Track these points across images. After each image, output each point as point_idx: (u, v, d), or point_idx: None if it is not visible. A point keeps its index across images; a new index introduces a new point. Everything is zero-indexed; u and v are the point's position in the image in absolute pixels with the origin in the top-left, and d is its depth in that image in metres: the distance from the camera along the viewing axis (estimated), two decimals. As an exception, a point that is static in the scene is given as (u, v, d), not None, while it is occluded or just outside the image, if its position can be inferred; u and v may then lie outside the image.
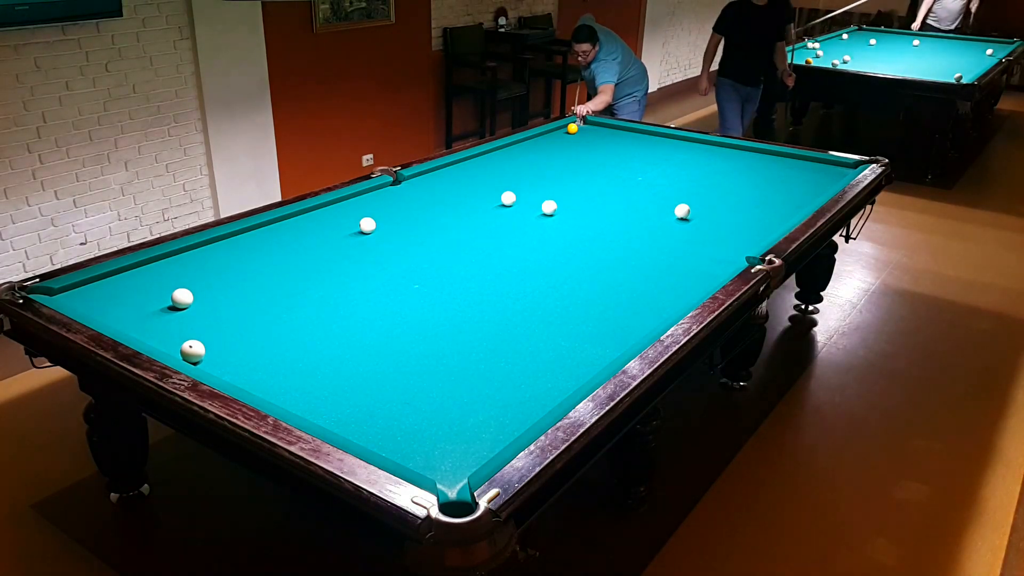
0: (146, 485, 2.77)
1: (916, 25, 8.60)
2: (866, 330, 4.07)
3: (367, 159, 5.76)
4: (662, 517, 2.74)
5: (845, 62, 6.73)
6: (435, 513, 1.56)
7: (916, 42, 7.96)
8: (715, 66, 5.84)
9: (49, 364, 2.39)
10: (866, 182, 3.67)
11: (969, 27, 8.64)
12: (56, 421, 3.18)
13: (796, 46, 7.42)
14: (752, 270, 2.70)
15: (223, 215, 4.37)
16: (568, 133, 4.54)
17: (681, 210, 3.31)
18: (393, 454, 1.79)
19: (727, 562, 2.58)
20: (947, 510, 2.84)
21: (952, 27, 8.52)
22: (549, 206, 3.33)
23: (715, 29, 5.62)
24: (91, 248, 4.18)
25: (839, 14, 9.32)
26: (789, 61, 5.80)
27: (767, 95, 6.52)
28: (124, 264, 2.72)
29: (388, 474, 1.68)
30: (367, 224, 3.09)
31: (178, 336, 2.24)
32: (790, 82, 5.78)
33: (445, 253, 2.95)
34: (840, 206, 3.37)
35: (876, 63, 6.79)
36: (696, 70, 9.76)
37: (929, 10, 8.57)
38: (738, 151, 4.28)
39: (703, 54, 5.77)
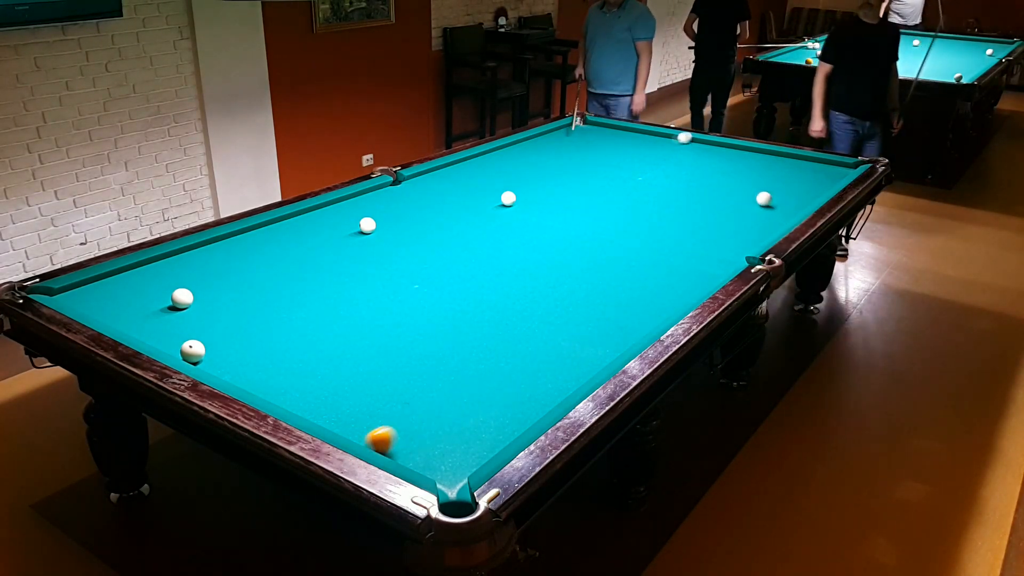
0: (146, 485, 2.77)
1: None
2: (866, 330, 4.07)
3: (367, 159, 5.76)
4: (662, 517, 2.74)
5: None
6: (435, 513, 1.56)
7: (916, 42, 7.95)
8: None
9: (49, 364, 2.39)
10: (866, 182, 3.67)
11: (940, 25, 8.62)
12: (56, 421, 3.18)
13: (796, 46, 7.42)
14: (752, 270, 2.70)
15: (223, 215, 4.37)
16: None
17: (763, 197, 3.44)
18: (393, 454, 1.79)
19: (727, 562, 2.58)
20: (947, 510, 2.84)
21: (917, 22, 8.52)
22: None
23: (823, 58, 4.86)
24: (91, 248, 4.18)
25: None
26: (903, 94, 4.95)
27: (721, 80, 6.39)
28: (124, 264, 2.73)
29: (388, 474, 1.68)
30: (367, 224, 3.09)
31: (178, 336, 2.24)
32: (897, 127, 4.92)
33: (445, 253, 2.95)
34: (840, 206, 3.37)
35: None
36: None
37: (889, 7, 8.57)
38: (738, 151, 4.28)
39: (813, 89, 4.91)
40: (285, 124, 5.07)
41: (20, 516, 2.71)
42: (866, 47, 4.70)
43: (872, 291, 4.49)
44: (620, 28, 5.05)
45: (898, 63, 4.80)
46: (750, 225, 3.22)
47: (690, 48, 6.53)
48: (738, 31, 6.24)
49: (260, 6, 4.68)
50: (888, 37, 4.76)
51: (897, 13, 8.47)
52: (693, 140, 4.36)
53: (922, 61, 5.48)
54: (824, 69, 4.81)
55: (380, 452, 1.79)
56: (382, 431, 1.83)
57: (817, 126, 4.88)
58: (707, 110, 6.58)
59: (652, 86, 8.71)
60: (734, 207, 3.46)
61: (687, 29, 6.46)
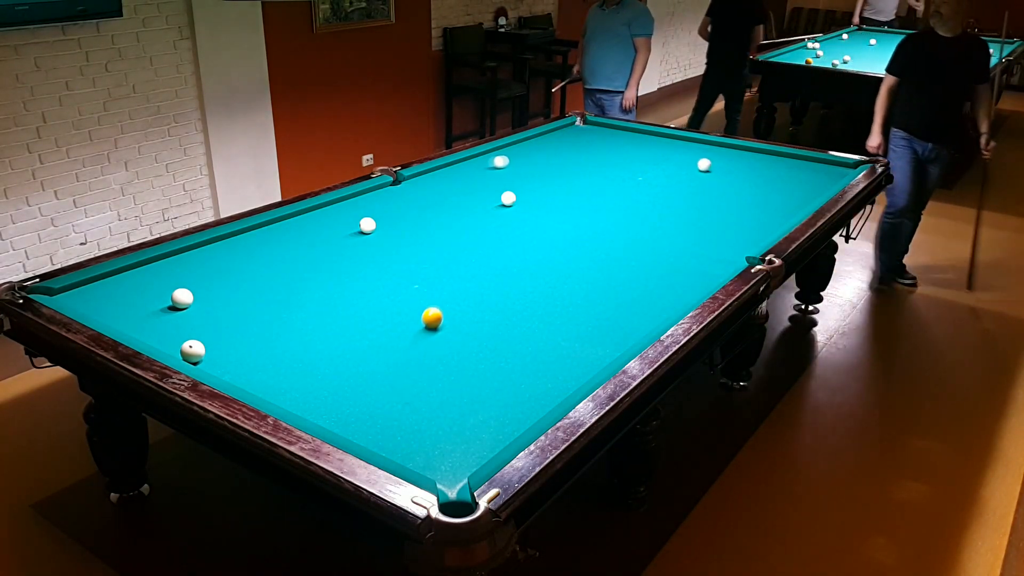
0: (146, 485, 2.77)
1: (855, 20, 8.66)
2: (866, 330, 4.07)
3: (367, 159, 5.76)
4: (662, 517, 2.74)
5: (845, 62, 6.73)
6: (435, 513, 1.56)
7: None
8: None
9: (49, 364, 2.39)
10: (866, 182, 3.67)
11: (918, 19, 8.73)
12: (56, 421, 3.18)
13: (796, 46, 7.42)
14: (752, 270, 2.70)
15: (223, 215, 4.37)
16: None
17: (703, 164, 3.64)
18: (393, 454, 1.79)
19: (727, 562, 2.58)
20: (947, 510, 2.84)
21: (891, 19, 8.61)
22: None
23: (888, 69, 4.35)
24: (91, 248, 4.18)
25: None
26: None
27: (731, 79, 6.33)
28: (124, 264, 2.73)
29: (388, 474, 1.68)
30: (367, 224, 3.09)
31: (178, 336, 2.24)
32: (987, 153, 4.35)
33: (445, 253, 2.95)
34: (840, 206, 3.37)
35: (876, 63, 6.77)
36: (697, 70, 9.75)
37: (865, 2, 8.66)
38: (738, 151, 4.28)
39: (876, 102, 4.38)
40: (285, 124, 5.07)
41: (20, 516, 2.71)
42: (937, 62, 4.13)
43: (872, 291, 4.49)
44: (618, 24, 5.06)
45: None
46: (750, 225, 3.21)
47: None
48: (752, 35, 6.22)
49: (260, 6, 4.68)
50: (969, 53, 4.14)
51: (871, 5, 8.59)
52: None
53: (998, 67, 5.19)
54: (888, 82, 4.32)
55: (432, 329, 2.38)
56: (434, 312, 2.39)
57: (873, 141, 4.38)
58: (706, 115, 6.55)
59: (652, 86, 8.72)
60: (734, 207, 3.46)
61: (702, 32, 6.41)
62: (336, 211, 3.32)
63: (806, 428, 3.32)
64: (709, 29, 6.32)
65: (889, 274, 4.53)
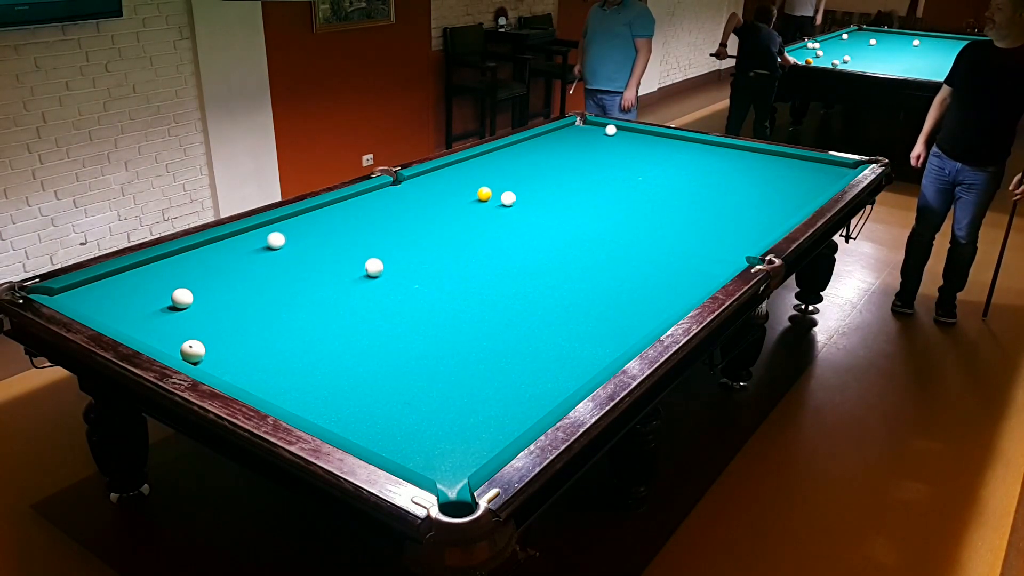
0: (146, 485, 2.77)
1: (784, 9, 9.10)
2: (866, 330, 4.07)
3: (367, 159, 5.76)
4: (662, 517, 2.74)
5: (845, 62, 6.74)
6: (435, 513, 1.56)
7: (916, 42, 7.96)
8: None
9: (49, 364, 2.39)
10: (866, 182, 3.67)
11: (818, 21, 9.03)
12: (56, 421, 3.18)
13: (795, 46, 7.43)
14: (752, 270, 2.70)
15: (223, 215, 4.37)
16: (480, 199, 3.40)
17: (610, 129, 3.94)
18: (393, 454, 1.79)
19: (727, 562, 2.58)
20: (947, 510, 2.84)
21: (805, 13, 8.92)
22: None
23: (946, 80, 3.98)
24: (91, 248, 4.18)
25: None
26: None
27: (763, 95, 6.33)
28: (124, 264, 2.73)
29: (388, 474, 1.68)
30: (275, 239, 2.92)
31: (178, 336, 2.24)
32: (1018, 194, 3.86)
33: (445, 253, 2.95)
34: (840, 206, 3.37)
35: (876, 63, 6.79)
36: (697, 70, 9.76)
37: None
38: (738, 151, 4.28)
39: (927, 114, 4.05)
40: (285, 124, 5.07)
41: (20, 516, 2.71)
42: (984, 75, 3.72)
43: (872, 291, 4.49)
44: (619, 24, 5.06)
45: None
46: (750, 225, 3.22)
47: (716, 54, 6.44)
48: (779, 60, 6.26)
49: (260, 6, 4.68)
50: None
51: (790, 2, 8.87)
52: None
53: None
54: (942, 92, 3.99)
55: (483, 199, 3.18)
56: (486, 191, 3.22)
57: (913, 151, 4.09)
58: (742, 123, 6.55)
59: (652, 86, 8.72)
60: (734, 207, 3.46)
61: (728, 31, 6.35)
62: (336, 211, 3.32)
63: (806, 428, 3.31)
64: (735, 32, 6.29)
65: (907, 297, 4.26)
